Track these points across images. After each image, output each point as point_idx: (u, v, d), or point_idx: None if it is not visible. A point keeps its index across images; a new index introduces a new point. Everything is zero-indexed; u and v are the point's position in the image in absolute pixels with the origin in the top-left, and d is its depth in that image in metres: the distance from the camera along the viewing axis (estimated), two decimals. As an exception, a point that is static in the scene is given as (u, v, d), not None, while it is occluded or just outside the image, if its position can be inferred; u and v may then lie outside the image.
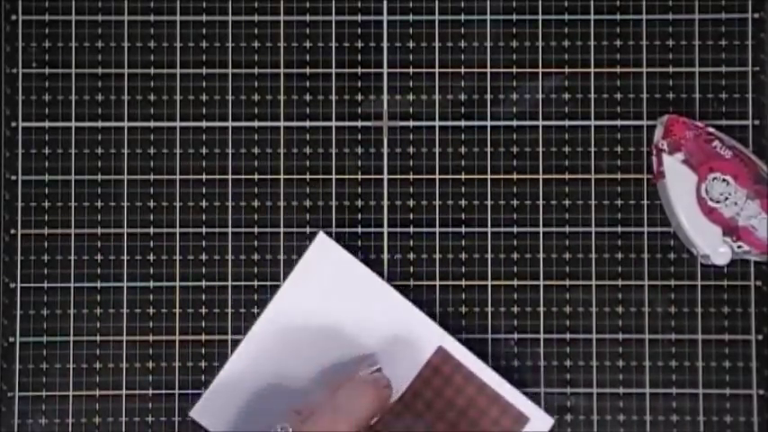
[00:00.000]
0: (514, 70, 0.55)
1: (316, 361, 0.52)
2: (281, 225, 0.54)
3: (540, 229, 0.54)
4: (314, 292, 0.53)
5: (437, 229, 0.54)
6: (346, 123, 0.55)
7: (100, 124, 0.54)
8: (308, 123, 0.54)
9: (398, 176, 0.55)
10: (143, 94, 0.54)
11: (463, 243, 0.54)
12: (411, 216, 0.54)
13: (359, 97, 0.55)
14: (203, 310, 0.54)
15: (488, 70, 0.55)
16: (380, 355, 0.52)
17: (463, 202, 0.54)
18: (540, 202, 0.54)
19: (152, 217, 0.54)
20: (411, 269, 0.54)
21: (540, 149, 0.54)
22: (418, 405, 0.51)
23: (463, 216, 0.54)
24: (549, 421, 0.51)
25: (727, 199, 0.52)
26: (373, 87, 0.55)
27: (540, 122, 0.54)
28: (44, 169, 0.54)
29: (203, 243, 0.54)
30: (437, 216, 0.54)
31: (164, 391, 0.53)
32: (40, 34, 0.54)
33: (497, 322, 0.54)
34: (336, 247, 0.53)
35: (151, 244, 0.54)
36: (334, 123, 0.55)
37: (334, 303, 0.53)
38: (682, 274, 0.54)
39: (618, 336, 0.53)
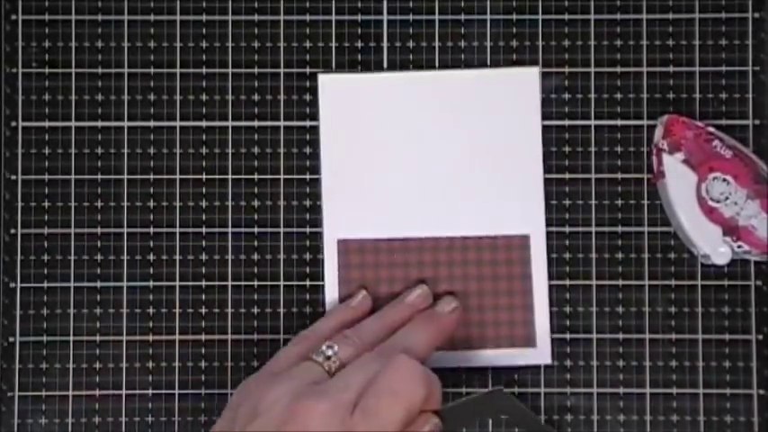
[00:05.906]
0: (514, 70, 0.55)
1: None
2: (281, 225, 0.54)
3: (540, 229, 0.54)
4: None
5: (437, 229, 0.54)
6: (346, 123, 0.54)
7: (100, 124, 0.54)
8: (308, 123, 0.54)
9: (398, 176, 0.54)
10: (143, 94, 0.54)
11: (463, 243, 0.54)
12: (411, 216, 0.54)
13: (359, 97, 0.55)
14: (203, 310, 0.54)
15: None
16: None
17: (463, 202, 0.54)
18: (540, 202, 0.54)
19: (152, 217, 0.54)
20: (411, 269, 0.54)
21: (540, 149, 0.54)
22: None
23: (463, 216, 0.54)
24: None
25: (727, 199, 0.52)
26: (373, 87, 0.55)
27: (540, 122, 0.54)
28: (44, 169, 0.54)
29: (203, 243, 0.54)
30: (437, 216, 0.54)
31: (164, 391, 0.53)
32: (40, 34, 0.54)
33: (497, 322, 0.54)
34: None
35: (151, 244, 0.54)
36: (334, 123, 0.54)
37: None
38: (682, 273, 0.54)
39: (618, 336, 0.53)
